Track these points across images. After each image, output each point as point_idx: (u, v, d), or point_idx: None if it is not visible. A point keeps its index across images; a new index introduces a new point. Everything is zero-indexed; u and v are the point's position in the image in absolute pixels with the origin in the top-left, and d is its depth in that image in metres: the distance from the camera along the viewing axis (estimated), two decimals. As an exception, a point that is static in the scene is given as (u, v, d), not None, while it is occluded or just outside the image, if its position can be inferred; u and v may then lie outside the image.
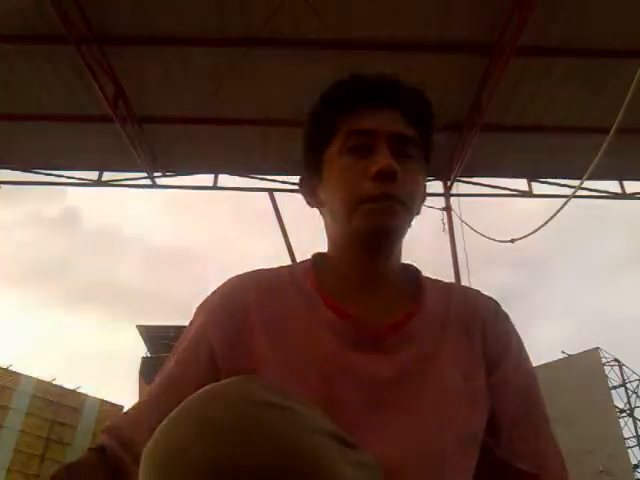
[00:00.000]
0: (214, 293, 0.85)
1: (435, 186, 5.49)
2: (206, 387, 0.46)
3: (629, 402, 14.68)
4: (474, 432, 0.72)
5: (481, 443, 0.74)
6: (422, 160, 0.85)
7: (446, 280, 0.94)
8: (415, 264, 0.90)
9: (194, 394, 0.45)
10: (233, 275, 0.87)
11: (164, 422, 0.44)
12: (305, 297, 0.81)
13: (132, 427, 0.75)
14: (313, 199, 0.89)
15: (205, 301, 0.84)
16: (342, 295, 0.81)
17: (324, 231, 0.91)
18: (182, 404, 0.45)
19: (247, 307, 0.79)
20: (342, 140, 0.82)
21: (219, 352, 0.76)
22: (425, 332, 0.78)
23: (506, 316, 0.86)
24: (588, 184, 5.07)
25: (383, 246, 0.81)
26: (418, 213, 0.85)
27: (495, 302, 0.87)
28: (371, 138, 0.80)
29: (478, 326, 0.80)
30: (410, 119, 0.83)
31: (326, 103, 0.86)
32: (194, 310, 0.86)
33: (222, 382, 0.47)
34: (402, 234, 0.82)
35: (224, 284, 0.85)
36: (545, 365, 10.67)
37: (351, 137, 0.81)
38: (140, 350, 16.32)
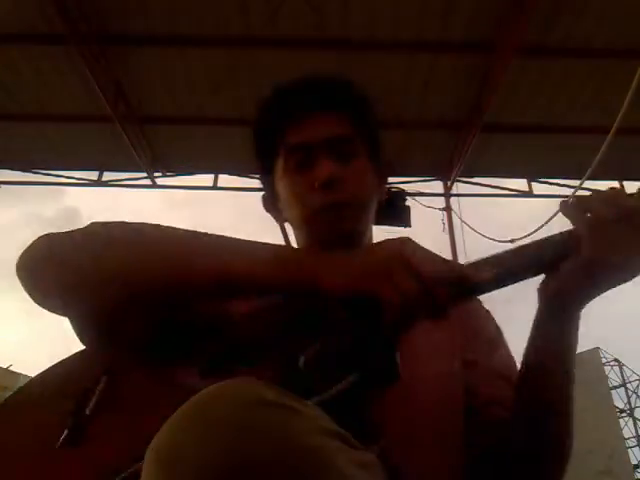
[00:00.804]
0: None
1: (435, 186, 5.50)
2: (209, 387, 0.46)
3: (629, 402, 14.69)
4: (451, 417, 0.74)
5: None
6: (367, 155, 0.85)
7: None
8: None
9: (197, 394, 0.45)
10: None
11: (167, 422, 0.44)
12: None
13: None
14: (277, 214, 0.92)
15: None
16: None
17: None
18: (185, 404, 0.45)
19: None
20: (283, 158, 0.82)
21: None
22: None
23: (480, 303, 0.90)
24: (588, 184, 5.07)
25: (349, 248, 0.82)
26: (381, 204, 0.88)
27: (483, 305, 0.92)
28: (308, 149, 0.80)
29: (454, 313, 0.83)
30: (346, 118, 0.83)
31: (261, 126, 0.88)
32: None
33: (224, 382, 0.47)
34: (364, 232, 0.84)
35: None
36: (545, 365, 10.64)
37: (289, 154, 0.81)
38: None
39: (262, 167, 0.89)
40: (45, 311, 0.71)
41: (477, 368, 0.79)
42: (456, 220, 5.44)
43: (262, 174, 0.90)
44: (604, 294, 0.68)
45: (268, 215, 0.97)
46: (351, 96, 0.85)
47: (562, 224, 0.68)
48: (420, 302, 0.60)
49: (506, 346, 0.89)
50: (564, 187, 5.44)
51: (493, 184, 5.71)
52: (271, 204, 0.92)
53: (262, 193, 0.94)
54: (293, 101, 0.83)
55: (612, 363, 14.63)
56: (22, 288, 0.69)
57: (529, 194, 5.61)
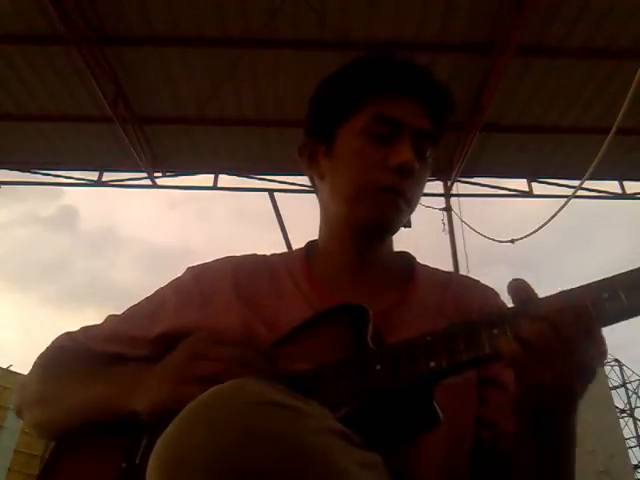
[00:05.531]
0: (211, 261, 0.89)
1: (435, 186, 5.49)
2: (214, 388, 0.46)
3: (629, 402, 14.69)
4: (461, 430, 0.72)
5: (476, 440, 0.73)
6: (430, 160, 0.84)
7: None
8: (410, 252, 0.91)
9: (202, 395, 0.45)
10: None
11: (173, 422, 0.44)
12: (296, 283, 0.83)
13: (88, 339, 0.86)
14: (312, 166, 0.87)
15: (198, 265, 0.89)
16: (331, 283, 0.82)
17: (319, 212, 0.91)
18: (190, 405, 0.45)
19: (235, 278, 0.83)
20: (366, 121, 0.79)
21: (173, 306, 0.82)
22: (414, 319, 0.77)
23: (505, 305, 0.80)
24: (588, 184, 5.07)
25: (377, 238, 0.83)
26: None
27: (493, 291, 0.87)
28: (395, 127, 0.79)
29: (473, 315, 0.78)
30: (431, 114, 0.81)
31: (357, 77, 0.85)
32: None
33: (229, 383, 0.46)
34: (398, 230, 0.84)
35: (222, 257, 0.89)
36: (545, 365, 10.59)
37: (377, 122, 0.79)
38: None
39: (328, 116, 0.84)
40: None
41: (501, 392, 0.74)
42: (456, 220, 5.44)
43: (322, 121, 0.86)
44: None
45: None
46: (447, 99, 0.84)
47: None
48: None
49: None
50: (564, 187, 5.43)
51: (493, 184, 5.71)
52: (312, 153, 0.87)
53: (304, 138, 0.89)
54: (402, 75, 0.82)
55: (612, 363, 14.64)
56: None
57: (529, 194, 5.60)
